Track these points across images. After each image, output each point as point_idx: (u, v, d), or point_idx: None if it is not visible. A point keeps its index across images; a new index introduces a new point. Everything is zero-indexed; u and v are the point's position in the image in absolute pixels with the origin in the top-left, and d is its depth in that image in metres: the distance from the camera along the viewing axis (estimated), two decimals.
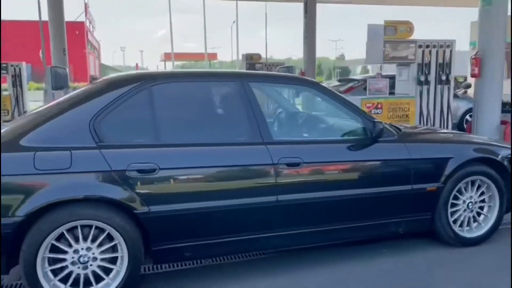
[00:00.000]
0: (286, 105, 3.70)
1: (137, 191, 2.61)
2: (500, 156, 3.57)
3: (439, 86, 8.02)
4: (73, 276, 2.56)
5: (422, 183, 3.34)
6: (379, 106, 7.68)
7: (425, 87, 7.93)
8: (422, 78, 7.85)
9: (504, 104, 8.49)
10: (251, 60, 16.20)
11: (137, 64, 32.98)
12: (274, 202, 2.92)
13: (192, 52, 57.23)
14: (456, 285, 2.94)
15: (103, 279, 2.62)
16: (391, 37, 7.71)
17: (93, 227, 2.56)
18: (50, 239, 2.49)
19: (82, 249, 2.55)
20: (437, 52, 7.96)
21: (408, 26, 7.91)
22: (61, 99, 3.03)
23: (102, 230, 2.58)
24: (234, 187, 2.89)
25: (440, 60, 7.99)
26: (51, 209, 2.47)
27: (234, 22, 66.17)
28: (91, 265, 2.59)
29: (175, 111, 3.00)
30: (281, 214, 2.98)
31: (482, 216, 3.62)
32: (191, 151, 2.83)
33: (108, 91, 2.82)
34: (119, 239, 2.60)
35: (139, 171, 2.63)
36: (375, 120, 3.26)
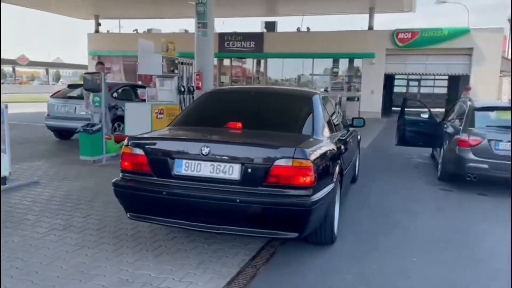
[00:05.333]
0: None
1: None
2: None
3: (188, 95, 10.14)
4: None
5: (359, 146, 6.53)
6: (161, 112, 8.97)
7: (182, 96, 9.86)
8: (182, 89, 9.75)
9: None
10: None
11: None
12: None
13: None
14: None
15: None
16: (165, 54, 9.13)
17: None
18: None
19: None
20: (185, 68, 10.03)
21: (173, 45, 9.54)
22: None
23: None
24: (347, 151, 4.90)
25: (187, 74, 10.13)
26: None
27: None
28: None
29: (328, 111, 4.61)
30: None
31: None
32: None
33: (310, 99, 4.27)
34: None
35: None
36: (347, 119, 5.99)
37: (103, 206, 4.91)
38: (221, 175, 3.23)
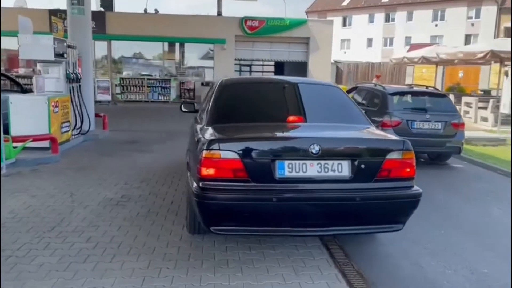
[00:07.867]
0: None
1: None
2: None
3: (76, 84, 8.69)
4: None
5: None
6: (57, 104, 7.52)
7: (71, 85, 8.41)
8: (72, 76, 8.29)
9: None
10: None
11: None
12: None
13: None
14: None
15: None
16: (56, 34, 7.58)
17: None
18: None
19: None
20: (71, 52, 8.52)
21: (62, 25, 7.96)
22: None
23: None
24: None
25: (73, 60, 8.64)
26: None
27: None
28: None
29: None
30: None
31: None
32: None
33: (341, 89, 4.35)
34: None
35: None
36: None
37: (89, 226, 3.98)
38: (330, 174, 3.04)
